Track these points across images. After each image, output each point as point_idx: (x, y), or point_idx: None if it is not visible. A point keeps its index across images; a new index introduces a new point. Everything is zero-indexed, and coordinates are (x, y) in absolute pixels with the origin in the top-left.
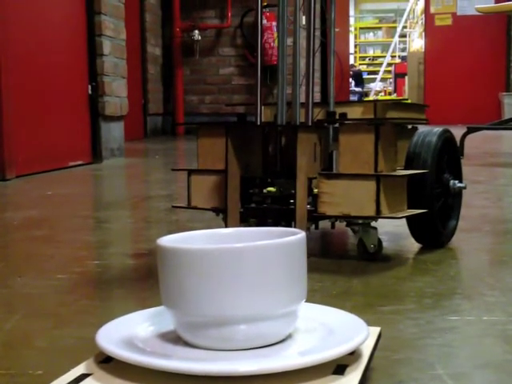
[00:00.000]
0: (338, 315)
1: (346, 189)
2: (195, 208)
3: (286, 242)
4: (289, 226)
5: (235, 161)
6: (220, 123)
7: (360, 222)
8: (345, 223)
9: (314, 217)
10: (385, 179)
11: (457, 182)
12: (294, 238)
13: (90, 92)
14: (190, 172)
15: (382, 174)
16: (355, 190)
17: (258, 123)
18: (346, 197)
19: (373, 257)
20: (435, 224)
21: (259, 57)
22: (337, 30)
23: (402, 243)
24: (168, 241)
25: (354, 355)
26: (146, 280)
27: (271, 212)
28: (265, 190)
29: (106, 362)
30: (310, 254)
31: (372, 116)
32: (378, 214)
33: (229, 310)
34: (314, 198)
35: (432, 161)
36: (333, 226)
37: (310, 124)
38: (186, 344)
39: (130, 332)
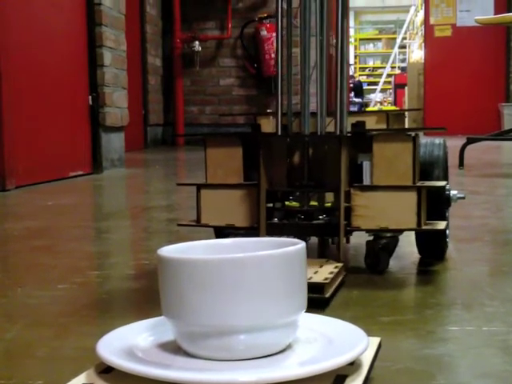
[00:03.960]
0: (338, 325)
1: (383, 201)
2: (206, 226)
3: (287, 252)
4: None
5: (264, 174)
6: (234, 134)
7: (388, 235)
8: (372, 237)
9: (347, 231)
10: (423, 191)
11: (456, 192)
12: (295, 248)
13: (90, 103)
14: (200, 187)
15: (422, 185)
16: (394, 203)
17: (279, 133)
18: (383, 210)
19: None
20: (445, 235)
21: (279, 67)
22: (335, 40)
23: (401, 253)
24: (168, 251)
25: (353, 365)
26: (146, 290)
27: (303, 227)
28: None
29: (107, 372)
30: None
31: (384, 126)
32: (419, 227)
33: (229, 320)
34: (345, 212)
35: (443, 173)
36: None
37: (339, 134)
38: (186, 354)
39: (130, 342)
